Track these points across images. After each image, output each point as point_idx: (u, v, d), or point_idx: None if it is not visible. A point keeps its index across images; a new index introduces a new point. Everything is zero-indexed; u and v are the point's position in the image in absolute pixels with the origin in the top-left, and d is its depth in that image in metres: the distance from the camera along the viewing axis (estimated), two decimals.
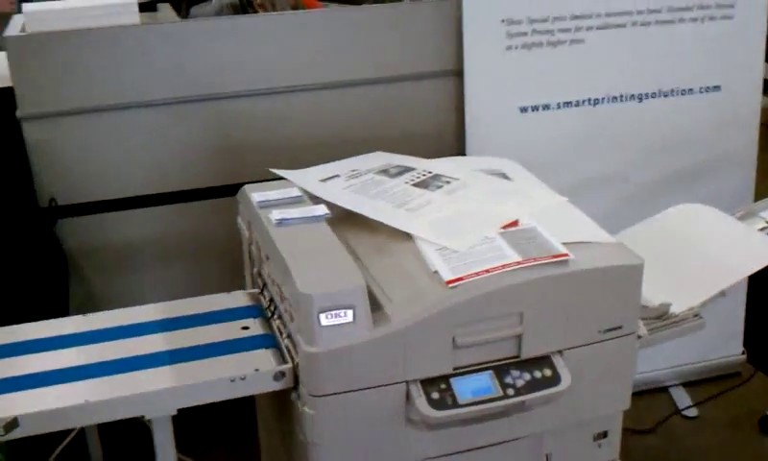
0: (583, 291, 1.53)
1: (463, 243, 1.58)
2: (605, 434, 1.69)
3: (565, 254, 1.51)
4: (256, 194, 1.75)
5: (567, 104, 2.38)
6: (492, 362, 1.53)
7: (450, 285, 1.47)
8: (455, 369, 1.51)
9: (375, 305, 1.50)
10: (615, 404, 1.67)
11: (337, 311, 1.41)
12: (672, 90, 2.44)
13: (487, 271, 1.49)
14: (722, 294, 1.80)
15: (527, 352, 1.53)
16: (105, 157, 2.14)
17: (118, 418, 1.48)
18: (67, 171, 2.12)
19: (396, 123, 2.34)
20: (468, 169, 1.93)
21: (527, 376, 1.52)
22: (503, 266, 1.50)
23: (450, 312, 1.46)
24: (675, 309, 1.75)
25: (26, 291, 2.08)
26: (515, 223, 1.64)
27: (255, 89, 2.22)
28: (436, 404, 1.47)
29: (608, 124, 2.42)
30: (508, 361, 1.53)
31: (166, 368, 1.55)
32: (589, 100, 2.40)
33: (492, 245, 1.57)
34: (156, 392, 1.48)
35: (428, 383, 1.49)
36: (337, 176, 1.90)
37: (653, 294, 1.79)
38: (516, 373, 1.52)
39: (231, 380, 1.52)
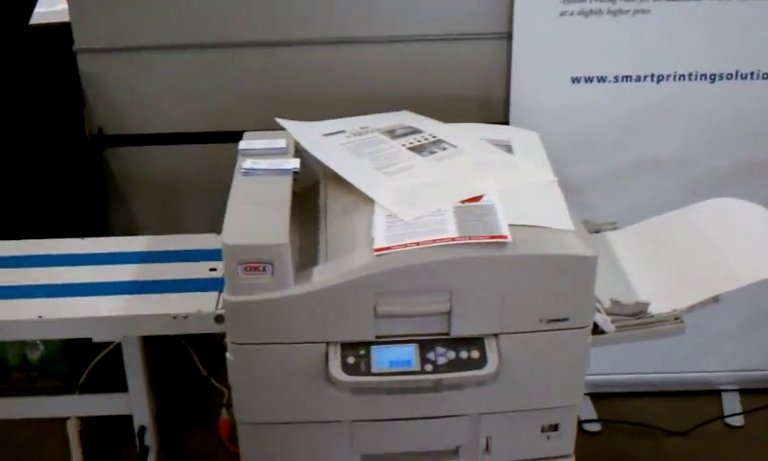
0: (520, 277, 1.46)
1: (411, 213, 1.55)
2: (555, 427, 1.62)
3: (504, 236, 1.45)
4: (245, 141, 1.79)
5: (627, 78, 2.23)
6: (421, 336, 1.50)
7: (377, 253, 1.45)
8: (378, 337, 1.49)
9: (314, 264, 1.52)
10: (564, 398, 1.59)
11: (256, 265, 1.44)
12: (752, 73, 2.21)
13: (417, 243, 1.45)
14: (715, 300, 1.65)
15: (457, 332, 1.49)
16: (151, 94, 2.26)
17: (68, 336, 1.60)
18: (115, 103, 2.26)
19: (440, 84, 2.29)
20: (476, 137, 1.87)
21: (451, 355, 1.48)
22: (434, 240, 1.46)
23: (369, 280, 1.45)
24: (654, 309, 1.62)
25: (69, 210, 2.26)
26: (477, 198, 1.58)
27: (300, 39, 2.25)
28: (349, 369, 1.47)
29: (671, 104, 2.24)
30: (437, 337, 1.50)
31: (124, 297, 1.65)
32: (652, 76, 2.23)
33: (438, 218, 1.53)
34: (102, 318, 1.59)
35: (349, 347, 1.49)
36: (342, 132, 1.90)
37: (642, 289, 1.68)
38: (441, 350, 1.49)
39: (174, 317, 1.60)
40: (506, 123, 2.25)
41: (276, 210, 1.53)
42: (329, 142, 1.84)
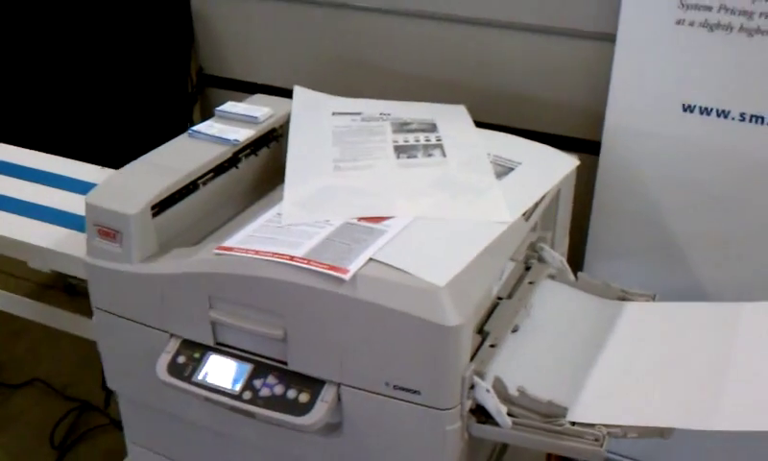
0: (358, 324, 1.19)
1: (290, 218, 1.35)
2: None
3: (343, 271, 1.19)
4: (230, 103, 1.69)
5: (757, 118, 1.70)
6: (260, 357, 1.30)
7: (216, 252, 1.28)
8: (218, 344, 1.33)
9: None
10: None
11: (107, 230, 1.35)
12: None
13: (256, 252, 1.26)
14: (661, 434, 1.22)
15: (294, 365, 1.27)
16: (256, 42, 2.21)
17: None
18: (220, 46, 2.25)
19: (528, 82, 1.95)
20: (492, 151, 1.57)
21: (279, 390, 1.27)
22: (273, 254, 1.24)
23: (200, 278, 1.29)
24: (575, 417, 1.24)
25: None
26: (380, 219, 1.32)
27: (404, 9, 2.05)
28: (174, 369, 1.33)
29: None
30: (274, 364, 1.29)
31: None
32: None
33: (310, 230, 1.31)
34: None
35: (187, 346, 1.35)
36: (357, 114, 1.72)
37: (587, 387, 1.30)
38: (272, 380, 1.28)
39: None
40: (596, 143, 1.85)
41: (161, 179, 1.41)
42: (322, 122, 1.67)
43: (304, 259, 1.22)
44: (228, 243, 1.29)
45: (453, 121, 1.70)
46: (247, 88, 2.26)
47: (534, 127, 1.90)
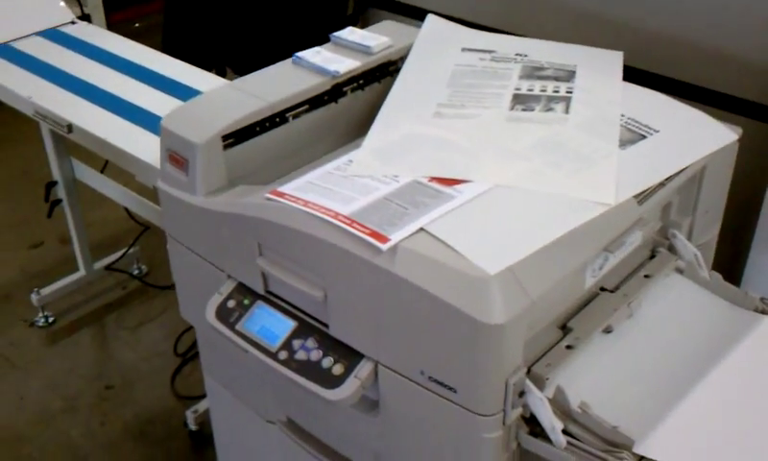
0: (394, 301, 1.05)
1: (360, 167, 1.21)
2: None
3: (384, 239, 1.04)
4: (349, 29, 1.55)
5: None
6: (308, 316, 1.20)
7: (268, 195, 1.18)
8: (269, 292, 1.24)
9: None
10: None
11: (176, 157, 1.29)
12: None
13: (305, 203, 1.14)
14: None
15: (335, 331, 1.15)
16: None
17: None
18: None
19: (712, 31, 1.64)
20: (616, 112, 1.34)
21: (314, 355, 1.16)
22: (322, 208, 1.12)
23: (248, 222, 1.19)
24: (642, 450, 1.03)
25: None
26: (455, 181, 1.15)
27: None
28: (220, 313, 1.26)
29: None
30: (317, 325, 1.18)
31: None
32: None
33: (371, 185, 1.16)
34: None
35: (240, 290, 1.27)
36: (491, 52, 1.53)
37: (687, 422, 1.08)
38: (312, 344, 1.17)
39: None
40: None
41: (240, 107, 1.31)
42: (446, 58, 1.50)
43: (348, 219, 1.08)
44: (283, 188, 1.18)
45: (598, 70, 1.46)
46: (411, 13, 2.11)
47: (707, 84, 1.59)
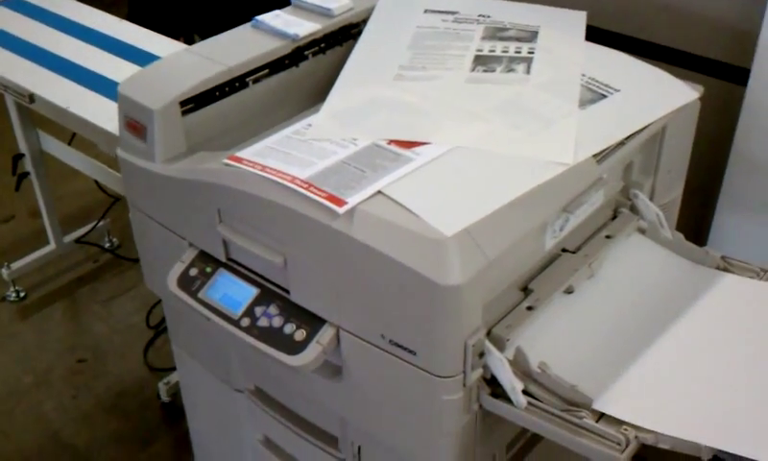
0: (352, 265, 1.04)
1: (318, 131, 1.20)
2: None
3: (340, 202, 1.03)
4: None
5: None
6: (270, 283, 1.19)
7: (226, 161, 1.17)
8: (230, 260, 1.23)
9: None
10: (409, 444, 1.13)
11: (134, 124, 1.27)
12: None
13: (263, 168, 1.12)
14: (698, 452, 0.98)
15: (296, 297, 1.15)
16: None
17: None
18: None
19: None
20: (576, 72, 1.33)
21: (276, 322, 1.15)
22: (279, 173, 1.11)
23: (206, 188, 1.18)
24: (601, 406, 1.03)
25: None
26: (414, 144, 1.14)
27: None
28: (182, 281, 1.25)
29: None
30: (279, 291, 1.17)
31: None
32: None
33: (329, 149, 1.15)
34: None
35: (202, 258, 1.26)
36: (453, 13, 1.51)
37: (622, 375, 1.08)
38: (274, 310, 1.17)
39: None
40: (744, 71, 1.52)
41: (198, 72, 1.29)
42: (407, 20, 1.48)
43: (305, 183, 1.07)
44: (241, 153, 1.17)
45: (561, 31, 1.45)
46: None
47: (670, 43, 1.59)
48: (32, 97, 1.69)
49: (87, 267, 2.51)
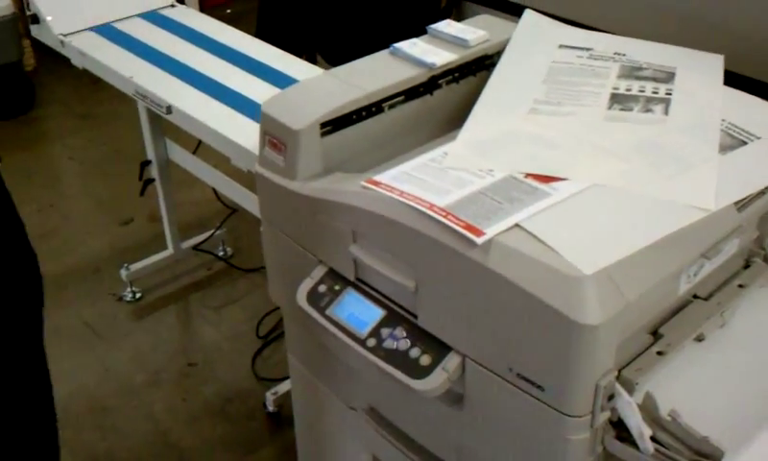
0: (487, 295, 1.05)
1: (455, 160, 1.21)
2: None
3: (478, 233, 1.04)
4: (446, 22, 1.56)
5: None
6: (397, 305, 1.21)
7: (364, 183, 1.20)
8: (358, 279, 1.26)
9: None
10: None
11: (275, 142, 1.32)
12: None
13: (401, 193, 1.15)
14: None
15: (423, 322, 1.16)
16: None
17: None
18: None
19: None
20: (716, 116, 1.31)
21: (402, 345, 1.17)
22: (417, 199, 1.13)
23: (343, 209, 1.21)
24: None
25: None
26: (545, 178, 1.15)
27: None
28: (311, 297, 1.28)
29: None
30: (406, 315, 1.19)
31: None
32: None
33: (466, 178, 1.17)
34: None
35: (331, 276, 1.29)
36: (588, 50, 1.51)
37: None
38: (400, 333, 1.18)
39: None
40: None
41: (339, 96, 1.33)
42: (542, 54, 1.49)
43: (443, 211, 1.09)
44: (378, 177, 1.19)
45: (698, 73, 1.43)
46: (504, 7, 2.10)
47: None
48: (169, 108, 1.76)
49: (201, 274, 2.59)
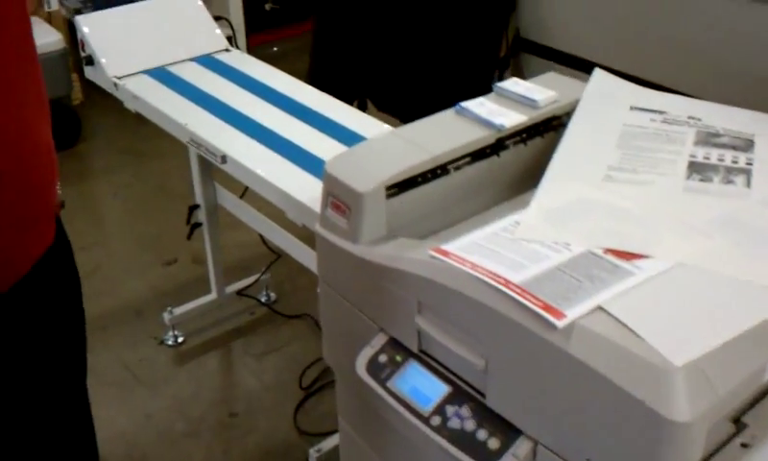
0: (563, 381, 0.99)
1: (527, 231, 1.16)
2: None
3: (559, 315, 0.99)
4: (513, 81, 1.51)
5: None
6: (463, 381, 1.15)
7: (432, 253, 1.14)
8: (422, 351, 1.20)
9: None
10: None
11: (338, 203, 1.27)
12: None
13: (473, 265, 1.09)
14: None
15: (492, 402, 1.10)
16: (581, 10, 2.00)
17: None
18: (543, 8, 2.06)
19: None
20: None
21: (469, 425, 1.11)
22: (490, 273, 1.07)
23: (410, 278, 1.16)
24: None
25: None
26: (627, 255, 1.09)
27: None
28: (370, 366, 1.23)
29: None
30: (473, 393, 1.13)
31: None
32: None
33: (541, 252, 1.11)
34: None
35: (394, 345, 1.24)
36: (661, 113, 1.46)
37: None
38: (467, 412, 1.12)
39: None
40: None
41: (406, 158, 1.29)
42: (614, 116, 1.44)
43: (519, 289, 1.03)
44: (447, 246, 1.14)
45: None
46: (564, 60, 2.06)
47: None
48: (224, 158, 1.73)
49: (244, 319, 2.55)
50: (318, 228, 1.32)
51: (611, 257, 1.08)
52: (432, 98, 2.30)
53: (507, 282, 1.04)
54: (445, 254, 1.12)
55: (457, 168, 1.34)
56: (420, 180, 1.29)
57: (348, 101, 2.59)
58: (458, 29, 2.19)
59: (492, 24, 2.15)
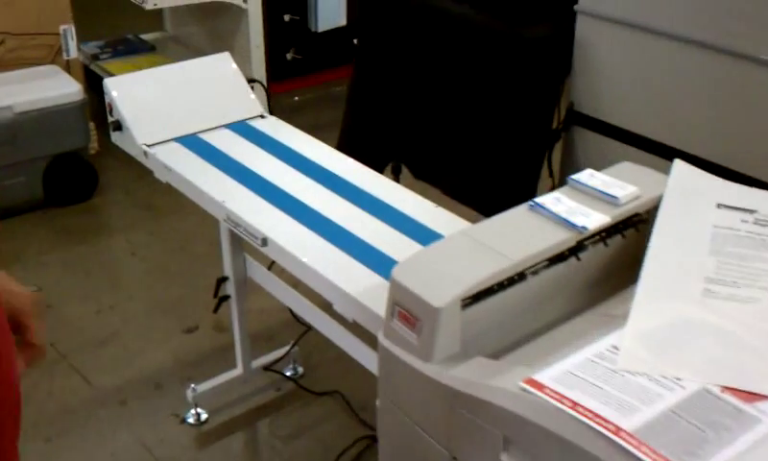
0: None
1: (630, 361, 1.03)
2: None
3: None
4: (588, 173, 1.39)
5: None
6: None
7: (524, 385, 1.01)
8: None
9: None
10: None
11: (407, 315, 1.15)
12: None
13: (574, 404, 0.96)
14: None
15: None
16: (641, 84, 1.89)
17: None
18: (599, 81, 1.95)
19: None
20: None
21: None
22: (597, 417, 0.94)
23: (495, 410, 1.02)
24: None
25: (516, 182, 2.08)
26: (746, 394, 0.96)
27: None
28: None
29: None
30: None
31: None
32: None
33: (650, 389, 0.98)
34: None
35: None
36: (739, 210, 1.33)
37: None
38: None
39: None
40: None
41: (483, 266, 1.16)
42: (701, 216, 1.31)
43: (634, 439, 0.90)
44: (539, 376, 1.01)
45: None
46: (620, 136, 1.94)
47: None
48: (265, 241, 1.61)
49: (270, 395, 2.40)
50: (381, 339, 1.19)
51: (730, 397, 0.95)
52: (476, 169, 2.18)
53: (618, 430, 0.91)
54: (540, 387, 0.99)
55: (534, 272, 1.21)
56: (495, 288, 1.17)
57: (383, 164, 2.48)
58: (507, 94, 2.08)
59: (545, 92, 2.04)
